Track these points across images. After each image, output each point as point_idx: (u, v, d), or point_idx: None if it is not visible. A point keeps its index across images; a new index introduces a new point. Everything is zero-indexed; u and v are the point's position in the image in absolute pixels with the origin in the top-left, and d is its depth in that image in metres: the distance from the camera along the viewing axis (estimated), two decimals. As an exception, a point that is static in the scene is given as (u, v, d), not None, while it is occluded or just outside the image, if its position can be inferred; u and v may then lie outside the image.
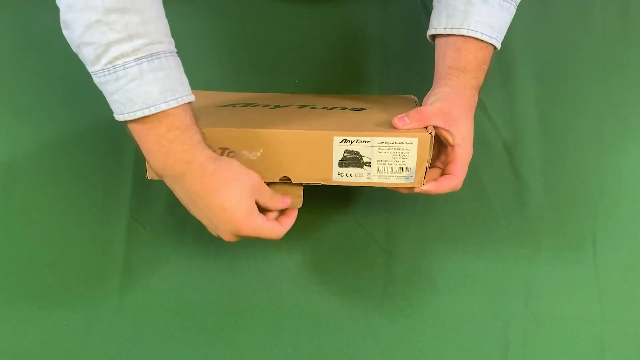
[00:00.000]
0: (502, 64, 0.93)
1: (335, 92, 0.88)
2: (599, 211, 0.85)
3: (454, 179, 0.70)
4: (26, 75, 0.92)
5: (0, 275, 0.81)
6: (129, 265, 0.82)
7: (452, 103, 0.70)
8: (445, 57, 0.73)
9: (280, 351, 0.78)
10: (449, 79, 0.72)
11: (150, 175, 0.71)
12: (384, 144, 0.67)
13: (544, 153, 0.88)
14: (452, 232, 0.84)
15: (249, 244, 0.73)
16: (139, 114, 0.60)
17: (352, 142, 0.67)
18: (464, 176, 0.71)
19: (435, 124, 0.69)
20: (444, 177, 0.71)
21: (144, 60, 0.59)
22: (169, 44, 0.62)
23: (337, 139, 0.67)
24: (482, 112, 0.90)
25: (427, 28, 0.76)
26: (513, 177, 0.87)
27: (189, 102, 0.63)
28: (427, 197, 0.80)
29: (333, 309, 0.80)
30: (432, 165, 0.72)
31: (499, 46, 0.73)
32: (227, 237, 0.66)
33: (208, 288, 0.81)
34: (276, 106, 0.77)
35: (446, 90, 0.71)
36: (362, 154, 0.68)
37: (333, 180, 0.69)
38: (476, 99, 0.73)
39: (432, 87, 0.74)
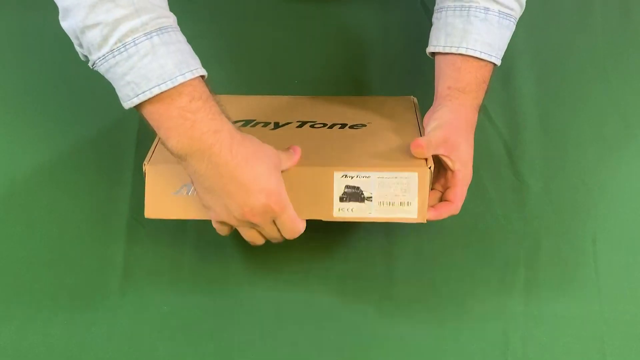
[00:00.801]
0: (502, 64, 0.93)
1: (334, 93, 0.88)
2: (599, 211, 0.85)
3: (453, 205, 0.71)
4: (27, 76, 0.92)
5: (0, 275, 0.81)
6: (128, 265, 0.81)
7: (453, 129, 0.70)
8: (445, 77, 0.73)
9: (280, 351, 0.78)
10: (449, 101, 0.72)
11: (148, 213, 0.70)
12: (384, 179, 0.67)
13: (544, 153, 0.88)
14: (452, 232, 0.84)
15: (248, 244, 0.73)
16: (156, 91, 0.58)
17: (352, 177, 0.67)
18: (464, 199, 0.71)
19: (438, 153, 0.69)
20: (444, 204, 0.71)
21: (154, 34, 0.57)
22: (173, 20, 0.61)
23: (337, 174, 0.67)
24: (482, 112, 0.90)
25: (427, 28, 0.76)
26: (513, 177, 0.87)
27: (203, 76, 0.62)
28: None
29: (333, 309, 0.80)
30: (431, 187, 0.72)
31: (499, 63, 0.74)
32: (254, 213, 0.63)
33: (208, 288, 0.81)
34: (276, 124, 0.76)
35: (447, 115, 0.71)
36: (362, 189, 0.67)
37: (334, 215, 0.68)
38: (476, 118, 0.74)
39: (433, 107, 0.74)
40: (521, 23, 0.96)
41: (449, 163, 0.70)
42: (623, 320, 0.80)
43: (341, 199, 0.68)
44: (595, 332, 0.79)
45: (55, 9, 0.60)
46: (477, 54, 0.71)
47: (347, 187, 0.67)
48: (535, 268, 0.82)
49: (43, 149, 0.88)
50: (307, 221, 0.69)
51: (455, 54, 0.72)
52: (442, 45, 0.73)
